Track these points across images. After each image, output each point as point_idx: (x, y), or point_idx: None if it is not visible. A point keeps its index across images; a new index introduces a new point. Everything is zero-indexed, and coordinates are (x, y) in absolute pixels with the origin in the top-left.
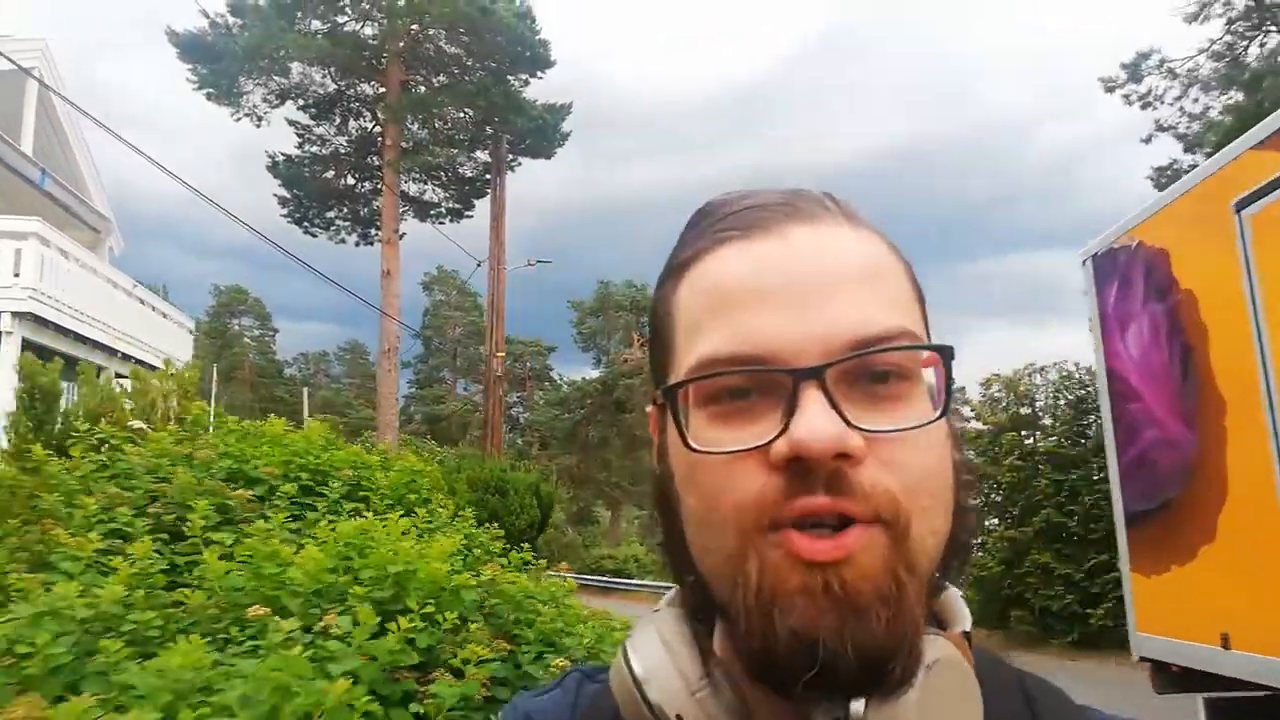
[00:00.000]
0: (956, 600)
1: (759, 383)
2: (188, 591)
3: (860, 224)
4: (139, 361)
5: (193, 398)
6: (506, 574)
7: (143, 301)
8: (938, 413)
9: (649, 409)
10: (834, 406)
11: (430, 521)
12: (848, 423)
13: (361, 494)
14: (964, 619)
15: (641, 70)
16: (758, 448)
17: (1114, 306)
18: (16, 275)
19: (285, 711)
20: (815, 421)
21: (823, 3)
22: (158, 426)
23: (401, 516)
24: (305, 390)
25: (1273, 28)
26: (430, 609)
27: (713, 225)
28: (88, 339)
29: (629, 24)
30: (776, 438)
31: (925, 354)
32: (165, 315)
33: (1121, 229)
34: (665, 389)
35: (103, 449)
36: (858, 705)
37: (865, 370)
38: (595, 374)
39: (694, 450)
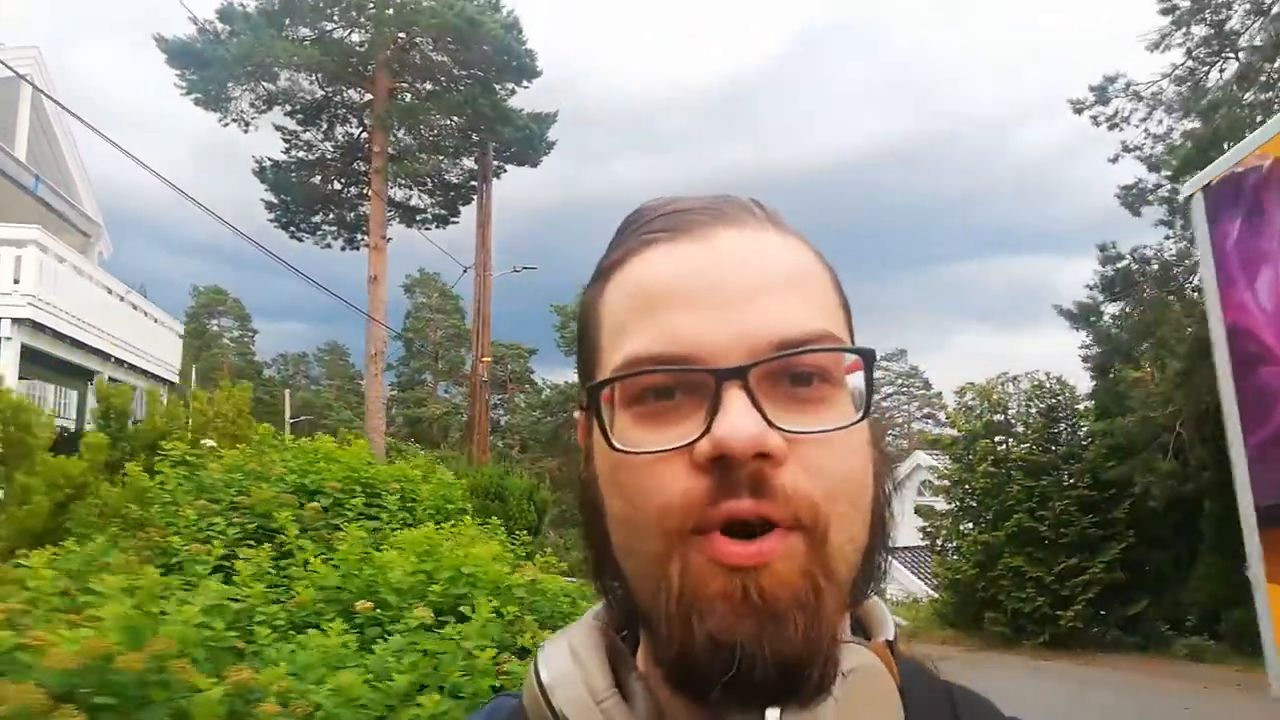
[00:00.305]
0: (880, 608)
1: (683, 382)
2: (299, 588)
3: (786, 230)
4: (131, 366)
5: (247, 417)
6: (544, 575)
7: (135, 306)
8: (859, 414)
9: (577, 414)
10: (756, 406)
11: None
12: (770, 423)
13: (409, 505)
14: (887, 627)
15: (628, 69)
16: (681, 448)
17: (1236, 246)
18: (16, 282)
19: (438, 674)
20: (737, 420)
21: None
22: (221, 444)
23: (451, 526)
24: (286, 392)
25: (1231, 54)
26: (495, 603)
27: (639, 229)
28: (83, 344)
29: (616, 23)
30: (699, 438)
31: (849, 360)
32: (156, 320)
33: (1247, 147)
34: (589, 388)
35: (170, 463)
36: (773, 714)
37: (788, 372)
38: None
39: (617, 450)
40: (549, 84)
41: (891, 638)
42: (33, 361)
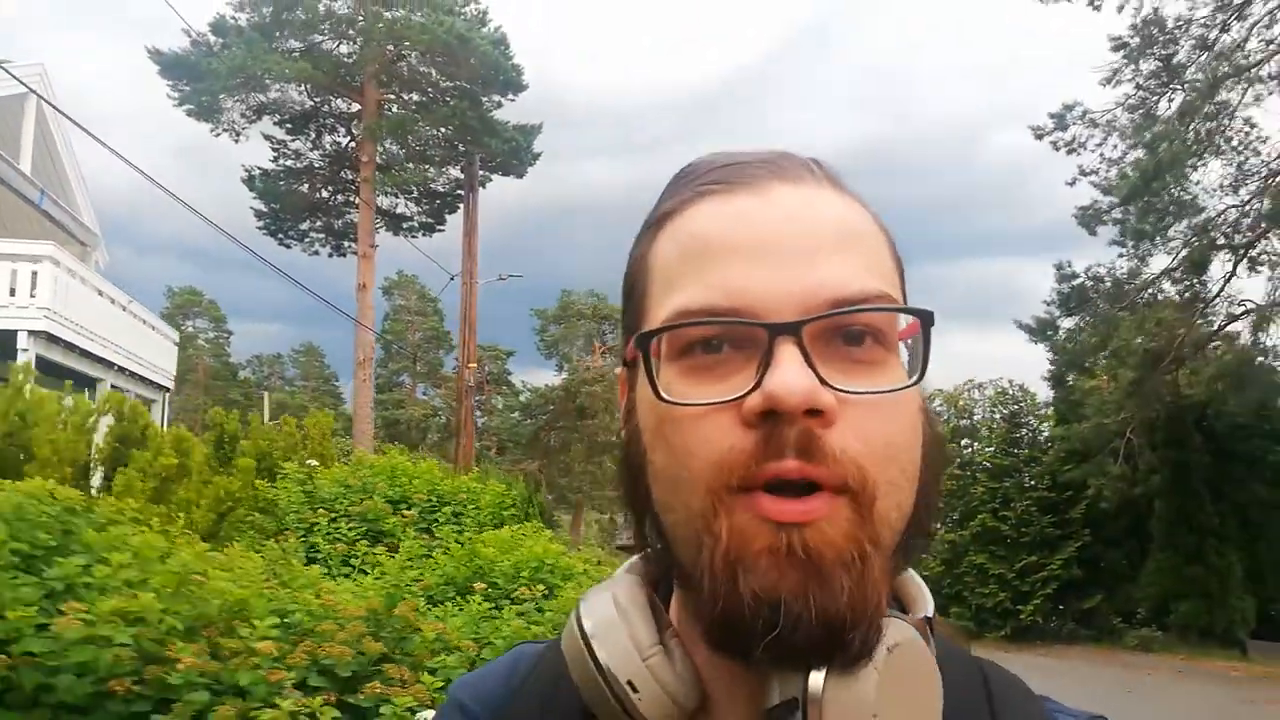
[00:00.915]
0: (918, 584)
1: (733, 336)
2: (426, 574)
3: (844, 190)
4: (132, 374)
5: (329, 439)
6: (595, 565)
7: (134, 316)
8: (914, 378)
9: (618, 370)
10: (809, 363)
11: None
12: (822, 381)
13: (472, 510)
14: (926, 604)
15: (610, 77)
16: (730, 401)
17: None
18: (33, 296)
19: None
20: (789, 375)
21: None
22: (327, 463)
23: (517, 528)
24: (266, 395)
25: (1179, 86)
26: (571, 585)
27: (693, 181)
28: (91, 354)
29: (594, 31)
30: (749, 392)
31: (903, 325)
32: (154, 328)
33: None
34: (638, 337)
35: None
36: (817, 677)
37: (842, 330)
38: (557, 380)
39: (665, 401)
40: (533, 92)
41: (930, 614)
42: (45, 372)
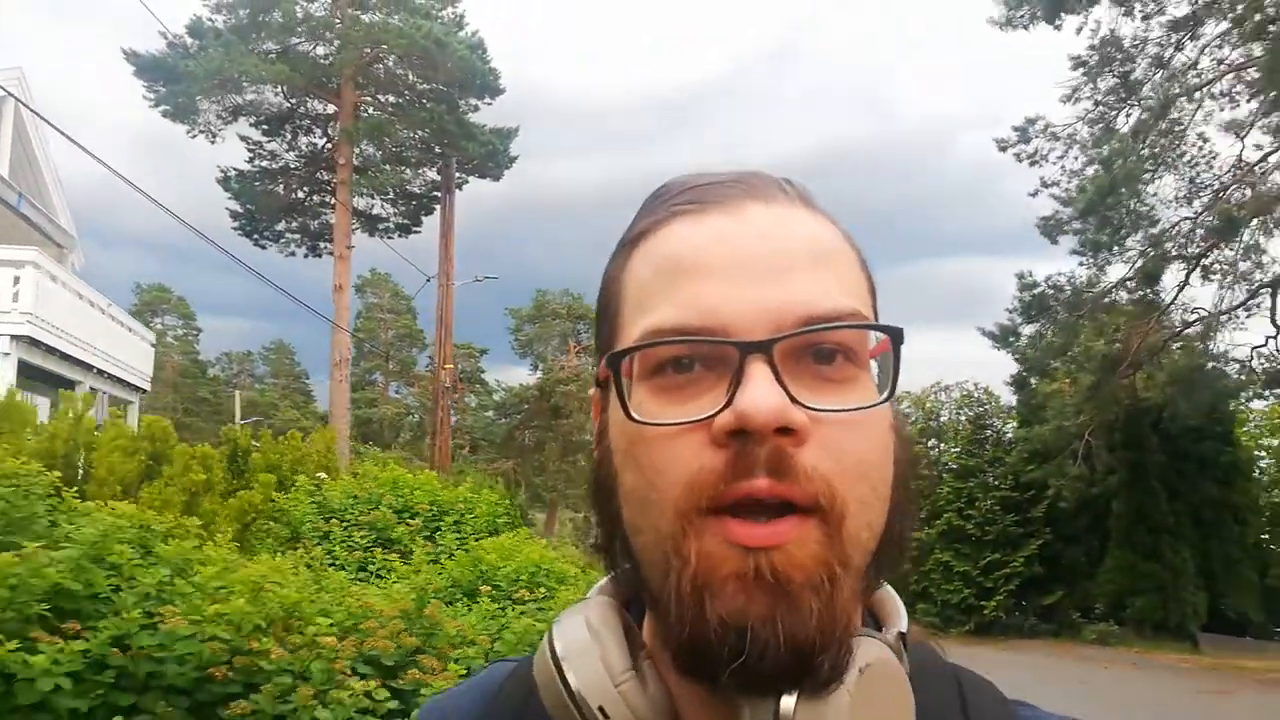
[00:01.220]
0: (893, 599)
1: (704, 355)
2: (434, 578)
3: (815, 208)
4: (110, 376)
5: (334, 452)
6: (583, 571)
7: (113, 319)
8: (884, 395)
9: (592, 391)
10: (779, 381)
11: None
12: (793, 399)
13: (470, 519)
14: (900, 619)
15: (581, 70)
16: (701, 421)
17: None
18: (15, 301)
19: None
20: (759, 393)
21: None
22: (332, 475)
23: (512, 535)
24: (237, 394)
25: (1135, 102)
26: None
27: (666, 202)
28: (71, 357)
29: (569, 30)
30: (720, 411)
31: (874, 343)
32: (131, 330)
33: None
34: (609, 357)
35: (291, 489)
36: (789, 702)
37: (813, 348)
38: (532, 379)
39: (635, 421)
40: (510, 93)
41: (904, 630)
42: (26, 375)
